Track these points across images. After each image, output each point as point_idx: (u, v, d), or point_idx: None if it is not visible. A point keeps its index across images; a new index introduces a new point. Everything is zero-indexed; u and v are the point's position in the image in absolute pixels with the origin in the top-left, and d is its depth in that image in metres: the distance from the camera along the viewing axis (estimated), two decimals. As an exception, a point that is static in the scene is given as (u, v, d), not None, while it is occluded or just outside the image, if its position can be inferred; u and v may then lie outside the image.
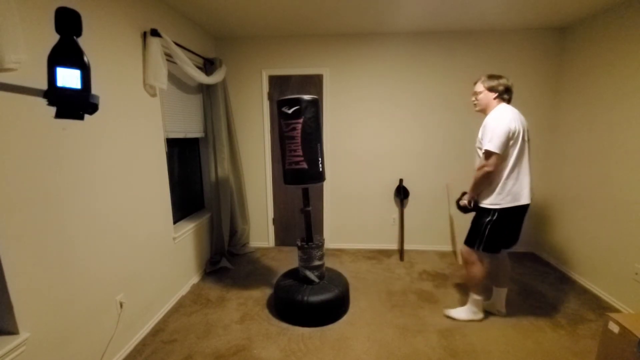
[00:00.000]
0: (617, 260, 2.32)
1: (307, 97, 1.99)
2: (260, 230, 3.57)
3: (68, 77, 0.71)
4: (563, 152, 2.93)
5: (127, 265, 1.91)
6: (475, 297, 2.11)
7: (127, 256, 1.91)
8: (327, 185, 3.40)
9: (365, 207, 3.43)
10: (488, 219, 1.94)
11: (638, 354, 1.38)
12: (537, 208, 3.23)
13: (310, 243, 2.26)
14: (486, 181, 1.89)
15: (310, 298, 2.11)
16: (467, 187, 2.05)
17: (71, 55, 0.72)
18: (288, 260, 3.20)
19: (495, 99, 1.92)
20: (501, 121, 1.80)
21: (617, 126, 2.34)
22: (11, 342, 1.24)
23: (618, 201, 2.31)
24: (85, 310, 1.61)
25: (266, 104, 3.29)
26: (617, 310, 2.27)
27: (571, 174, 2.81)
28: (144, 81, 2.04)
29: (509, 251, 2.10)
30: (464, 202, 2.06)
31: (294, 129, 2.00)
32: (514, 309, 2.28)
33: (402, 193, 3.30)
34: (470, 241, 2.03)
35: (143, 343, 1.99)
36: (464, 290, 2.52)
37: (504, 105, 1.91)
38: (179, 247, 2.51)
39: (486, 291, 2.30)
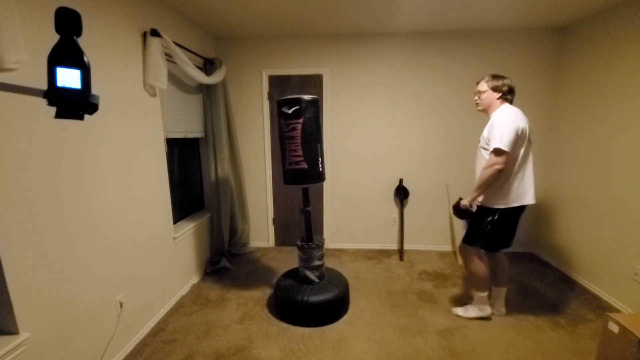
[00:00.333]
0: (616, 260, 2.32)
1: (307, 97, 1.99)
2: (260, 230, 3.57)
3: (68, 77, 0.71)
4: (563, 152, 2.93)
5: (127, 265, 1.91)
6: (479, 294, 2.11)
7: (127, 256, 1.91)
8: (327, 185, 3.40)
9: (365, 207, 3.43)
10: (490, 219, 1.94)
11: (638, 354, 1.38)
12: (537, 208, 3.23)
13: (310, 243, 2.26)
14: (495, 180, 1.87)
15: (310, 298, 2.11)
16: (467, 187, 2.05)
17: (71, 55, 0.72)
18: (288, 260, 3.20)
19: (498, 99, 1.93)
20: (510, 120, 1.81)
21: (617, 126, 2.34)
22: (11, 342, 1.24)
23: (618, 201, 2.32)
24: (85, 310, 1.61)
25: (266, 104, 3.29)
26: (616, 310, 2.27)
27: (571, 174, 2.81)
28: (144, 81, 2.04)
29: (506, 251, 2.10)
30: (465, 202, 1.98)
31: (294, 129, 2.00)
32: (513, 309, 2.28)
33: (402, 193, 3.30)
34: (469, 240, 2.03)
35: (143, 343, 1.99)
36: (463, 290, 2.52)
37: (508, 105, 1.91)
38: (179, 247, 2.51)
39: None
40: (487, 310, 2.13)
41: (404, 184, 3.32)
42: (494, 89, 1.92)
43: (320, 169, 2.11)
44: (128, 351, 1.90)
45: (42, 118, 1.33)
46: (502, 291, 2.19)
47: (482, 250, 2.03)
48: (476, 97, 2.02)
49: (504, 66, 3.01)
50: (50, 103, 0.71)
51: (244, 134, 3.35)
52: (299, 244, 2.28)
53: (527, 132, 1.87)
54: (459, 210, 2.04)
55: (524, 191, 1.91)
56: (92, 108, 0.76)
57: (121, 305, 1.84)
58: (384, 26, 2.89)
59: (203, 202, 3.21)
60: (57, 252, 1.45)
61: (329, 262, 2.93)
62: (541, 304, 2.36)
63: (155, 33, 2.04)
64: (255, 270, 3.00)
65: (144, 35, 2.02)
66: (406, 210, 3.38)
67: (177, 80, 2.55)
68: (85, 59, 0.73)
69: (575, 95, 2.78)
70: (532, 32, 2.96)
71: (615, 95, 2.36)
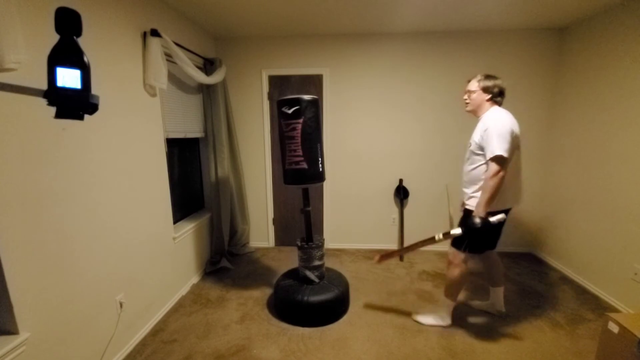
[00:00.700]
0: (616, 260, 2.32)
1: (307, 97, 1.99)
2: (260, 230, 3.57)
3: (68, 77, 0.71)
4: (562, 152, 2.93)
5: (127, 265, 1.91)
6: (448, 301, 2.05)
7: (127, 256, 1.91)
8: (327, 185, 3.40)
9: (365, 207, 3.43)
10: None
11: (638, 353, 1.38)
12: (536, 208, 3.23)
13: (310, 243, 2.26)
14: (501, 187, 1.75)
15: (310, 298, 2.12)
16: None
17: (71, 55, 0.72)
18: (288, 260, 3.21)
19: (488, 100, 1.86)
20: (505, 124, 1.73)
21: (616, 126, 2.35)
22: (11, 342, 1.24)
23: (617, 201, 2.32)
24: (85, 310, 1.61)
25: (266, 104, 3.29)
26: (616, 310, 2.27)
27: (570, 174, 2.81)
28: (144, 81, 2.04)
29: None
30: (478, 220, 1.72)
31: (294, 129, 2.00)
32: (513, 309, 2.28)
33: (402, 193, 3.30)
34: (457, 243, 1.98)
35: (143, 343, 1.99)
36: (464, 290, 2.52)
37: (499, 108, 1.84)
38: (179, 247, 2.51)
39: (481, 292, 2.31)
40: (446, 320, 2.07)
41: (404, 184, 3.32)
42: (485, 89, 1.85)
43: (320, 169, 2.11)
44: (128, 351, 1.90)
45: (42, 118, 1.33)
46: (499, 291, 2.17)
47: (468, 256, 1.96)
48: (466, 97, 1.95)
49: (503, 66, 3.01)
50: (50, 103, 0.71)
51: (244, 134, 3.35)
52: (299, 244, 2.28)
53: (519, 138, 1.81)
54: (475, 229, 1.73)
55: (512, 193, 1.87)
56: (92, 108, 0.76)
57: (121, 305, 1.84)
58: (383, 26, 2.89)
59: (203, 202, 3.21)
60: (57, 252, 1.45)
61: (329, 262, 2.93)
62: (541, 304, 2.36)
63: (155, 33, 2.04)
64: (255, 270, 3.00)
65: (144, 35, 2.02)
66: (406, 210, 3.38)
67: (177, 80, 2.55)
68: (85, 59, 0.73)
69: (574, 96, 2.78)
70: (531, 33, 2.96)
71: (615, 95, 2.36)
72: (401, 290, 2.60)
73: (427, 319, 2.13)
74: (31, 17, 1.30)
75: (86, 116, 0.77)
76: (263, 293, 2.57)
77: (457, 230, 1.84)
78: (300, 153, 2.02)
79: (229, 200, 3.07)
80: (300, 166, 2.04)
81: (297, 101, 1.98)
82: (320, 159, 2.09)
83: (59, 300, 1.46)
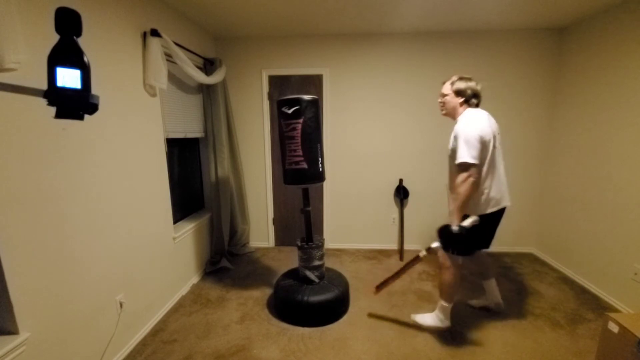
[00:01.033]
0: (616, 260, 2.32)
1: (307, 97, 2.00)
2: (260, 230, 3.57)
3: (68, 77, 0.71)
4: (562, 152, 2.93)
5: (127, 265, 1.91)
6: (444, 304, 2.03)
7: (127, 256, 1.91)
8: (327, 185, 3.40)
9: (365, 207, 3.43)
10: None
11: (638, 353, 1.38)
12: (536, 208, 3.24)
13: (310, 243, 2.26)
14: (473, 192, 1.76)
15: (310, 298, 2.12)
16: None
17: (71, 55, 0.72)
18: (288, 260, 3.21)
19: (462, 104, 1.82)
20: (472, 129, 1.70)
21: (616, 126, 2.35)
22: (11, 342, 1.24)
23: (617, 201, 2.32)
24: (85, 310, 1.61)
25: (266, 104, 3.29)
26: (616, 310, 2.27)
27: (570, 174, 2.82)
28: (144, 81, 2.04)
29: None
30: (455, 228, 1.76)
31: (294, 129, 2.00)
32: (513, 309, 2.28)
33: (402, 193, 3.30)
34: (445, 245, 1.95)
35: (143, 343, 1.99)
36: (463, 290, 2.52)
37: (472, 110, 1.81)
38: (179, 247, 2.51)
39: (479, 291, 2.30)
40: (446, 323, 2.05)
41: (404, 184, 3.32)
42: (457, 92, 1.81)
43: (320, 169, 2.11)
44: (128, 351, 1.90)
45: (42, 118, 1.33)
46: (492, 282, 2.18)
47: (460, 258, 1.95)
48: (439, 100, 1.91)
49: (504, 66, 3.01)
50: (50, 103, 0.71)
51: (244, 134, 3.35)
52: (299, 244, 2.28)
53: (493, 138, 1.77)
54: (452, 236, 1.77)
55: (495, 196, 1.83)
56: (92, 108, 0.76)
57: (121, 305, 1.84)
58: (384, 26, 2.89)
59: (203, 202, 3.21)
60: (57, 252, 1.45)
61: (329, 262, 2.93)
62: (541, 303, 2.36)
63: (155, 33, 2.04)
64: (255, 270, 3.00)
65: (144, 35, 2.02)
66: (406, 210, 3.38)
67: (177, 80, 2.55)
68: (85, 59, 0.73)
69: (575, 96, 2.78)
70: (531, 33, 2.97)
71: (615, 95, 2.36)
72: (401, 290, 2.60)
73: (426, 320, 2.12)
74: (31, 17, 1.30)
75: (86, 116, 0.77)
76: (263, 293, 2.57)
77: (436, 244, 1.87)
78: (300, 153, 2.02)
79: (229, 200, 3.07)
80: (300, 166, 2.04)
81: (297, 101, 1.98)
82: (320, 159, 2.10)
83: (59, 300, 1.46)
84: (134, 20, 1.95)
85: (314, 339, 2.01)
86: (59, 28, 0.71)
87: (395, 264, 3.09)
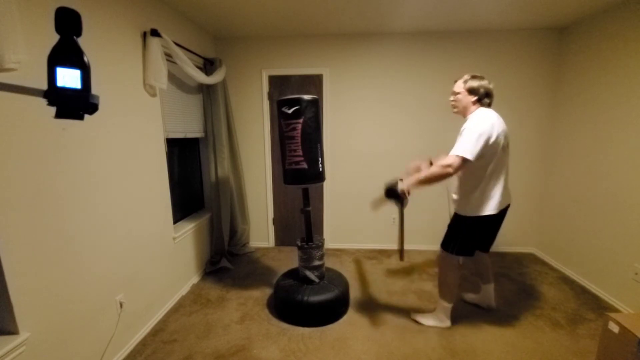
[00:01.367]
0: (616, 260, 2.32)
1: (307, 97, 1.99)
2: (260, 230, 3.57)
3: (68, 77, 0.71)
4: (562, 152, 2.93)
5: (127, 265, 1.91)
6: (444, 304, 2.04)
7: (127, 256, 1.91)
8: (327, 185, 3.39)
9: (365, 207, 3.43)
10: (464, 225, 1.89)
11: (638, 353, 1.38)
12: (537, 208, 3.23)
13: (310, 243, 2.26)
14: (439, 181, 1.75)
15: (310, 298, 2.11)
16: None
17: (71, 55, 0.72)
18: (288, 260, 3.20)
19: (474, 102, 1.80)
20: (481, 127, 1.67)
21: (616, 126, 2.34)
22: (11, 342, 1.24)
23: (618, 201, 2.31)
24: (85, 310, 1.61)
25: (266, 104, 3.29)
26: (616, 310, 2.27)
27: (571, 174, 2.81)
28: (144, 81, 2.04)
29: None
30: (403, 187, 1.80)
31: (294, 129, 2.00)
32: (513, 309, 2.28)
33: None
34: (445, 245, 1.98)
35: (143, 343, 1.99)
36: (463, 290, 2.52)
37: (484, 109, 1.78)
38: (179, 247, 2.51)
39: (474, 286, 2.31)
40: (446, 322, 2.07)
41: (404, 184, 3.31)
42: (470, 90, 1.79)
43: (320, 169, 2.11)
44: (128, 351, 1.90)
45: (42, 118, 1.33)
46: (490, 287, 2.21)
47: (460, 259, 1.96)
48: (452, 98, 1.89)
49: (504, 66, 3.01)
50: (50, 103, 0.71)
51: (244, 134, 3.35)
52: (299, 244, 2.28)
53: (503, 140, 1.75)
54: (392, 192, 1.86)
55: (500, 198, 1.83)
56: (92, 108, 0.76)
57: (121, 305, 1.84)
58: (384, 26, 2.89)
59: (203, 202, 3.21)
60: (57, 252, 1.45)
61: (329, 262, 2.93)
62: (541, 303, 2.36)
63: (155, 33, 2.04)
64: (255, 270, 3.00)
65: (144, 35, 2.02)
66: (406, 210, 3.38)
67: (177, 80, 2.55)
68: (85, 59, 0.73)
69: (575, 95, 2.78)
70: (532, 32, 2.96)
71: (616, 95, 2.36)
72: (401, 290, 2.60)
73: (426, 320, 2.13)
74: (31, 17, 1.30)
75: (86, 116, 0.76)
76: (263, 293, 2.57)
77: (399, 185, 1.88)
78: (300, 153, 2.02)
79: (229, 200, 3.07)
80: (300, 166, 2.04)
81: (297, 101, 1.98)
82: (320, 159, 2.09)
83: (59, 300, 1.46)
84: (134, 20, 1.95)
85: (314, 339, 2.01)
86: (59, 28, 0.71)
87: (395, 264, 3.09)
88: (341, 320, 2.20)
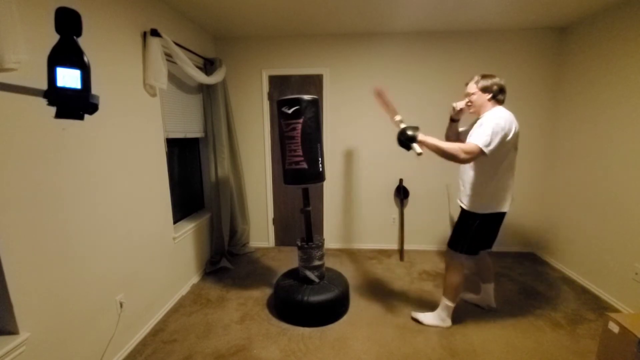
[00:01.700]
0: (616, 260, 2.32)
1: (307, 97, 1.99)
2: (260, 230, 3.57)
3: (68, 77, 0.71)
4: (563, 152, 2.93)
5: (127, 265, 1.91)
6: (447, 303, 2.04)
7: (127, 256, 1.91)
8: (327, 185, 3.39)
9: (365, 207, 3.43)
10: (476, 224, 1.90)
11: (638, 354, 1.38)
12: (537, 208, 3.23)
13: (310, 243, 2.26)
14: (446, 159, 1.74)
15: (310, 298, 2.11)
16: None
17: (71, 55, 0.72)
18: (288, 260, 3.20)
19: (489, 100, 1.83)
20: (499, 124, 1.69)
21: (616, 126, 2.34)
22: (11, 342, 1.24)
23: (618, 201, 2.31)
24: (85, 310, 1.61)
25: (266, 104, 3.29)
26: (617, 310, 2.27)
27: (571, 174, 2.81)
28: (144, 81, 2.04)
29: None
30: (421, 138, 1.77)
31: (294, 129, 2.00)
32: (513, 309, 2.28)
33: (402, 193, 3.30)
34: (454, 244, 1.98)
35: (143, 343, 1.99)
36: (463, 290, 2.52)
37: (501, 108, 1.81)
38: (179, 247, 2.51)
39: (473, 286, 2.31)
40: (447, 322, 2.07)
41: (404, 184, 3.32)
42: (484, 89, 1.82)
43: (320, 169, 2.11)
44: (128, 351, 1.90)
45: (42, 118, 1.33)
46: (489, 287, 2.23)
47: (464, 257, 1.97)
48: (467, 100, 1.92)
49: (504, 66, 3.01)
50: (50, 103, 0.71)
51: (244, 134, 3.35)
52: (299, 244, 2.28)
53: (516, 138, 1.79)
54: (405, 136, 1.82)
55: (508, 196, 1.87)
56: (92, 108, 0.76)
57: (121, 305, 1.84)
58: (384, 26, 2.89)
59: (203, 202, 3.21)
60: (57, 252, 1.45)
61: (329, 262, 2.93)
62: (541, 304, 2.36)
63: (155, 33, 2.04)
64: (255, 270, 3.00)
65: (144, 35, 2.02)
66: (406, 210, 3.38)
67: (177, 80, 2.55)
68: (85, 59, 0.73)
69: (575, 95, 2.78)
70: (532, 32, 2.96)
71: (616, 95, 2.36)
72: (401, 290, 2.60)
73: (427, 318, 2.13)
74: (31, 17, 1.30)
75: (86, 116, 0.76)
76: (263, 293, 2.57)
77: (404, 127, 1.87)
78: (300, 153, 2.02)
79: (229, 200, 3.07)
80: (300, 166, 2.04)
81: (297, 101, 1.98)
82: (320, 159, 2.09)
83: (59, 300, 1.46)
84: (134, 20, 1.95)
85: (314, 339, 2.01)
86: (59, 28, 0.71)
87: (395, 264, 3.09)
88: (341, 320, 2.20)
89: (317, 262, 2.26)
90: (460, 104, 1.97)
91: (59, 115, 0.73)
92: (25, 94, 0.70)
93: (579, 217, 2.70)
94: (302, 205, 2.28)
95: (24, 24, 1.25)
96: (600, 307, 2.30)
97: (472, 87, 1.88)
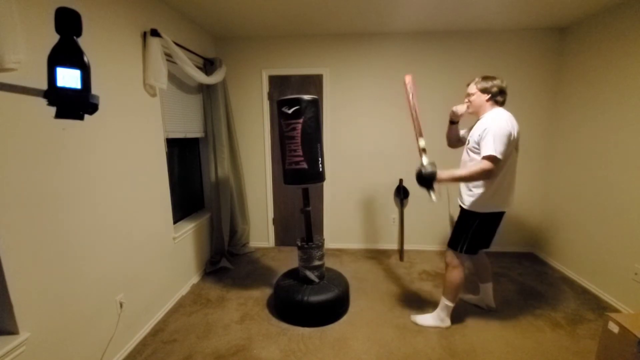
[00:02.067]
0: (616, 260, 2.32)
1: (307, 97, 1.99)
2: (260, 230, 3.57)
3: (68, 77, 0.71)
4: (562, 152, 2.93)
5: (127, 265, 1.91)
6: (447, 303, 2.04)
7: (127, 256, 1.91)
8: (327, 185, 3.39)
9: (365, 207, 3.43)
10: (474, 222, 1.91)
11: (638, 354, 1.38)
12: (537, 208, 3.23)
13: (310, 243, 2.26)
14: (477, 181, 1.82)
15: (310, 298, 2.11)
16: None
17: (71, 55, 0.71)
18: (288, 260, 3.20)
19: (488, 100, 1.85)
20: (503, 126, 1.72)
21: (616, 126, 2.34)
22: (11, 342, 1.24)
23: (618, 201, 2.31)
24: (85, 310, 1.61)
25: (266, 104, 3.29)
26: (616, 310, 2.27)
27: (571, 174, 2.81)
28: (144, 81, 2.04)
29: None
30: (443, 177, 1.80)
31: (294, 129, 2.00)
32: (513, 309, 2.28)
33: (402, 193, 3.30)
34: (454, 244, 1.99)
35: (143, 343, 1.99)
36: (462, 290, 2.52)
37: (500, 109, 1.83)
38: (179, 247, 2.51)
39: (472, 287, 2.31)
40: (446, 322, 2.07)
41: (404, 184, 3.32)
42: (484, 90, 1.84)
43: (320, 169, 2.11)
44: (128, 351, 1.90)
45: (42, 118, 1.33)
46: (488, 287, 2.23)
47: (465, 256, 1.98)
48: (466, 100, 1.95)
49: (504, 66, 3.01)
50: (50, 103, 0.71)
51: (244, 134, 3.35)
52: (299, 244, 2.28)
53: (517, 139, 1.81)
54: (424, 180, 1.85)
55: (508, 196, 1.89)
56: (92, 108, 0.76)
57: (121, 305, 1.84)
58: (384, 26, 2.89)
59: (203, 202, 3.21)
60: (57, 252, 1.45)
61: (329, 262, 2.93)
62: (541, 304, 2.36)
63: (155, 33, 2.04)
64: (255, 270, 3.00)
65: (144, 35, 2.02)
66: (406, 210, 3.38)
67: (177, 80, 2.55)
68: (85, 59, 0.73)
69: (575, 96, 2.78)
70: (532, 32, 2.96)
71: (616, 95, 2.36)
72: (401, 290, 2.60)
73: (426, 320, 2.13)
74: (31, 17, 1.30)
75: (86, 116, 0.76)
76: (263, 293, 2.57)
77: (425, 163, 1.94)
78: (300, 153, 2.02)
79: (229, 200, 3.07)
80: (300, 166, 2.04)
81: (297, 101, 1.98)
82: (320, 158, 2.09)
83: (59, 300, 1.46)
84: (134, 20, 1.95)
85: (314, 339, 2.01)
86: (59, 28, 0.71)
87: (395, 264, 3.09)
88: (341, 320, 2.20)
89: (317, 262, 2.26)
90: (460, 109, 2.00)
91: (59, 115, 0.73)
92: (25, 94, 0.69)
93: (579, 217, 2.70)
94: (302, 205, 2.28)
95: (24, 24, 1.25)
96: (600, 307, 2.30)
97: (472, 88, 1.91)
